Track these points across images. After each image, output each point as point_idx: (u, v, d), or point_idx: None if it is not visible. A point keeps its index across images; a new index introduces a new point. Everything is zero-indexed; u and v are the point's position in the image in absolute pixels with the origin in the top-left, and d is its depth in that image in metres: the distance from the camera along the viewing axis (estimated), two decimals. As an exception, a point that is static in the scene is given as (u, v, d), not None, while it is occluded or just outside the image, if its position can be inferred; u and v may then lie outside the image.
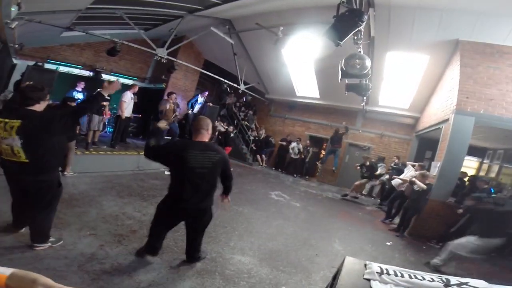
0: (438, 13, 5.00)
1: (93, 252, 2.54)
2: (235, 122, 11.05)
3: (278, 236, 3.99)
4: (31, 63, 6.39)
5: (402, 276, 1.61)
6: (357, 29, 2.81)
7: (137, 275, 2.36)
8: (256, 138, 10.87)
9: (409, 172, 6.34)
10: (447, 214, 5.08)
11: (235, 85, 9.14)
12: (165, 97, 7.36)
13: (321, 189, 8.81)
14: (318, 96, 10.06)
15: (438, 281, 1.57)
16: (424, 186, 5.02)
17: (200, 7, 6.31)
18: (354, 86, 5.10)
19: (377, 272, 1.63)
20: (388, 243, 4.78)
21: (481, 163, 9.20)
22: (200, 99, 9.12)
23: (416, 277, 1.54)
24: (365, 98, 7.01)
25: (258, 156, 10.70)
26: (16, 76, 6.08)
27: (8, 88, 5.84)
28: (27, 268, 1.92)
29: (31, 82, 3.45)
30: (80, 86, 6.67)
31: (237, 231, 3.82)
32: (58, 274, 2.11)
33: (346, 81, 5.09)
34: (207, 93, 9.60)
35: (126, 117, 6.46)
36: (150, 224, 2.53)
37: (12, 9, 2.88)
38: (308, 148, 10.41)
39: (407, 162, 7.34)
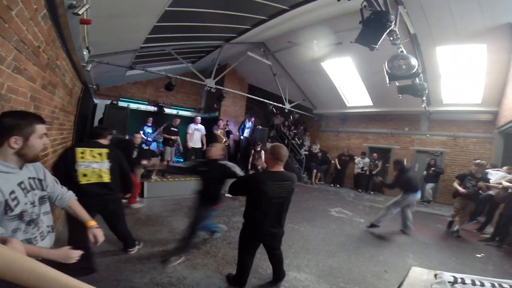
0: None
1: (162, 266, 2.83)
2: (286, 142, 11.10)
3: (339, 253, 3.76)
4: (107, 101, 7.43)
5: (482, 285, 1.37)
6: (388, 29, 2.69)
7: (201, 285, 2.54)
8: (308, 153, 10.67)
9: (496, 176, 5.32)
10: None
11: (280, 105, 9.33)
12: (215, 125, 7.99)
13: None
14: (371, 103, 9.45)
15: None
16: None
17: (234, 35, 6.82)
18: (407, 87, 4.72)
19: (448, 282, 1.43)
20: (479, 255, 4.05)
21: None
22: (248, 124, 9.55)
23: (501, 286, 1.30)
24: (424, 98, 6.36)
25: (314, 171, 10.32)
26: (98, 114, 7.28)
27: (94, 124, 7.00)
28: (110, 278, 2.26)
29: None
30: (150, 121, 7.65)
31: (292, 249, 3.74)
32: (132, 285, 2.41)
33: (397, 84, 4.75)
34: (253, 118, 9.98)
35: (192, 147, 7.09)
36: (239, 259, 2.52)
37: (84, 52, 3.59)
38: (376, 161, 9.51)
39: (488, 170, 6.05)
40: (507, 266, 3.72)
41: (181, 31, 5.79)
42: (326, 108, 11.04)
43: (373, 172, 9.32)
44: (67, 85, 3.48)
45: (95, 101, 7.68)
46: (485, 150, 7.89)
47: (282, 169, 2.41)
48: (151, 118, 7.74)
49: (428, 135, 8.92)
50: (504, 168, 5.43)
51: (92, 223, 1.57)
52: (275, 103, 9.25)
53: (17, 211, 1.12)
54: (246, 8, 5.24)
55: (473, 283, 1.39)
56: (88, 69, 4.07)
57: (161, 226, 4.09)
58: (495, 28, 5.11)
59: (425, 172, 8.15)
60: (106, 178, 2.62)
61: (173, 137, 6.86)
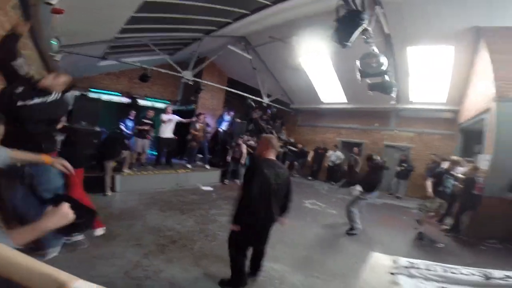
0: (447, 2, 4.85)
1: (138, 260, 2.81)
2: (263, 135, 11.14)
3: (313, 244, 3.94)
4: (77, 93, 6.83)
5: (434, 270, 1.53)
6: (361, 28, 2.84)
7: (177, 282, 2.56)
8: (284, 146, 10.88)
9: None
10: (507, 211, 4.63)
11: (259, 99, 9.39)
12: (194, 118, 7.83)
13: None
14: (345, 100, 9.85)
15: (478, 275, 1.46)
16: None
17: (215, 28, 6.75)
18: (377, 85, 4.98)
19: (404, 267, 1.58)
20: (440, 245, 4.45)
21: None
22: (227, 117, 9.50)
23: (451, 271, 1.47)
24: (394, 96, 6.74)
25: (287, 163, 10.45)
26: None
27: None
28: (83, 274, 2.21)
29: None
30: (132, 115, 7.02)
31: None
32: (107, 280, 2.38)
33: (368, 81, 5.00)
34: (233, 112, 9.91)
35: (164, 138, 6.82)
36: (235, 258, 2.48)
37: (54, 43, 3.38)
38: (355, 156, 9.55)
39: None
40: (465, 256, 4.03)
41: (160, 22, 5.60)
42: (303, 103, 11.32)
43: (356, 169, 9.39)
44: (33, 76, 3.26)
45: None
46: (447, 146, 8.53)
47: (274, 158, 2.51)
48: (133, 112, 7.35)
49: (396, 131, 9.49)
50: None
51: (47, 158, 1.47)
52: (253, 97, 9.28)
53: None
54: (228, 1, 5.17)
55: (427, 268, 1.55)
56: (57, 59, 3.82)
57: (135, 220, 3.99)
58: (463, 31, 5.49)
59: (398, 168, 8.51)
60: None
61: (146, 127, 6.59)
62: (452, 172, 4.53)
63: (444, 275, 1.42)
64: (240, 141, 7.62)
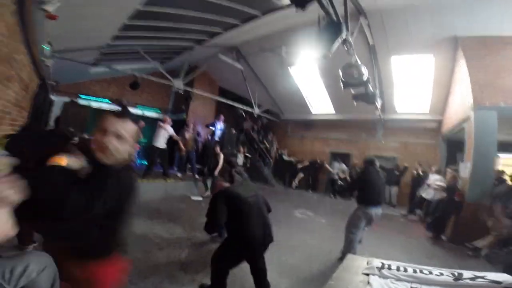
0: (427, 12, 5.13)
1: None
2: (255, 146, 11.28)
3: (301, 250, 3.99)
4: (65, 99, 6.91)
5: (405, 270, 1.61)
6: (340, 39, 3.01)
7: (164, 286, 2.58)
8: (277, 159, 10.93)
9: (432, 178, 6.12)
10: (488, 217, 4.67)
11: (250, 110, 9.51)
12: (185, 127, 7.86)
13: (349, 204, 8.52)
14: (333, 111, 10.09)
15: (447, 275, 1.53)
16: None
17: (206, 38, 6.87)
18: (361, 95, 5.19)
19: (377, 267, 1.64)
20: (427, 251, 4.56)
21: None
22: (219, 125, 9.44)
23: (422, 272, 1.54)
24: (378, 106, 6.98)
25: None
26: (55, 112, 6.71)
27: (49, 123, 6.48)
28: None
29: None
30: None
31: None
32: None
33: (352, 91, 5.20)
34: (222, 116, 9.89)
35: (156, 147, 6.75)
36: (218, 277, 2.37)
37: (46, 48, 3.43)
38: (358, 169, 9.16)
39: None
40: (451, 261, 4.17)
41: (152, 30, 5.71)
42: (293, 114, 11.48)
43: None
44: (24, 80, 3.30)
45: (52, 97, 7.16)
46: (431, 155, 8.81)
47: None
48: None
49: (383, 142, 9.72)
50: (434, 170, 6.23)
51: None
52: (244, 107, 9.40)
53: None
54: (219, 12, 5.33)
55: (398, 269, 1.63)
56: (49, 64, 3.86)
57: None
58: (441, 40, 5.74)
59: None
60: None
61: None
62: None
63: (415, 275, 1.50)
64: (217, 150, 6.75)
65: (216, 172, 6.16)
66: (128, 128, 1.18)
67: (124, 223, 1.30)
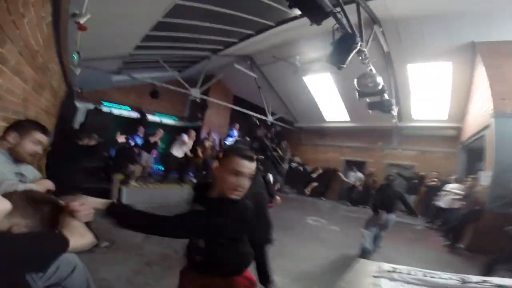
0: (443, 18, 5.07)
1: (139, 270, 2.92)
2: (268, 153, 11.30)
3: (314, 259, 3.95)
4: (89, 105, 7.27)
5: (415, 274, 1.62)
6: (354, 51, 3.06)
7: None
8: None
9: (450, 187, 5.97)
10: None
11: (263, 117, 9.62)
12: (205, 135, 8.07)
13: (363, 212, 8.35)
14: (348, 119, 10.00)
15: (455, 279, 1.54)
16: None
17: (221, 47, 7.10)
18: (376, 103, 5.17)
19: (387, 271, 1.66)
20: (444, 261, 4.42)
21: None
22: (234, 133, 9.65)
23: (431, 276, 1.55)
24: (394, 114, 6.89)
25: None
26: (79, 118, 7.11)
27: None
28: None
29: None
30: (141, 132, 7.32)
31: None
32: (109, 284, 2.50)
33: (367, 100, 5.20)
34: (237, 125, 10.05)
35: (175, 155, 7.02)
36: None
37: (74, 57, 3.70)
38: (375, 178, 9.18)
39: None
40: (469, 271, 4.03)
41: (171, 40, 5.99)
42: (306, 122, 11.48)
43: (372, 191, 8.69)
44: (54, 88, 3.56)
45: (77, 104, 7.60)
46: (450, 164, 8.42)
47: None
48: (142, 128, 7.58)
49: (399, 150, 9.51)
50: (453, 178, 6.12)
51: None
52: (258, 115, 9.52)
53: None
54: (234, 22, 5.53)
55: (408, 273, 1.65)
56: (77, 72, 4.15)
57: (137, 233, 4.11)
58: (460, 47, 5.64)
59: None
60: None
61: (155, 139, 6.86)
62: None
63: (423, 279, 1.51)
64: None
65: None
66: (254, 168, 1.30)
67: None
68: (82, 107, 7.42)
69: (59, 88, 4.10)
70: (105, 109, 8.32)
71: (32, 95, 2.32)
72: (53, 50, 2.74)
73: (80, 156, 2.99)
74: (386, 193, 4.28)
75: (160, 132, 7.09)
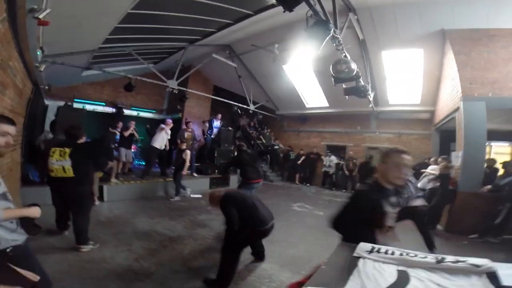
0: (414, 6, 5.25)
1: (129, 264, 2.90)
2: (251, 142, 11.37)
3: (300, 244, 4.08)
4: (60, 103, 6.91)
5: (393, 253, 1.71)
6: (327, 37, 3.11)
7: (168, 283, 2.66)
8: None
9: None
10: (482, 205, 4.88)
11: (245, 106, 9.58)
12: (184, 126, 7.92)
13: (346, 196, 8.70)
14: (327, 104, 10.22)
15: (430, 258, 1.63)
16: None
17: (199, 37, 6.90)
18: (352, 89, 5.29)
19: (367, 251, 1.75)
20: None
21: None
22: (216, 123, 9.53)
23: (408, 255, 1.65)
24: (371, 99, 7.09)
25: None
26: (50, 116, 6.76)
27: (45, 127, 6.58)
28: (74, 277, 2.28)
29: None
30: (119, 126, 7.08)
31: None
32: (99, 283, 2.48)
33: (344, 86, 5.30)
34: (220, 115, 9.94)
35: (155, 147, 6.85)
36: (230, 265, 2.60)
37: (38, 53, 3.49)
38: (354, 160, 9.59)
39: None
40: (448, 252, 3.97)
41: (144, 32, 5.72)
42: (288, 109, 11.62)
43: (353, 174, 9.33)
44: (17, 86, 3.33)
45: (46, 102, 7.16)
46: (424, 145, 9.01)
47: None
48: (120, 123, 7.31)
49: (377, 133, 9.91)
50: (432, 160, 6.34)
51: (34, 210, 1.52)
52: (240, 104, 9.46)
53: None
54: (212, 12, 5.36)
55: (386, 252, 1.74)
56: (41, 69, 3.89)
57: (124, 227, 4.07)
58: (430, 34, 5.85)
59: None
60: (70, 174, 3.01)
61: (125, 133, 6.71)
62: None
63: (401, 258, 1.62)
64: (183, 146, 6.36)
65: (184, 171, 6.30)
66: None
67: None
68: (53, 105, 7.01)
69: (24, 86, 3.84)
70: (76, 105, 7.94)
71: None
72: (12, 47, 2.56)
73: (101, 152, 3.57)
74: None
75: (132, 124, 6.93)
